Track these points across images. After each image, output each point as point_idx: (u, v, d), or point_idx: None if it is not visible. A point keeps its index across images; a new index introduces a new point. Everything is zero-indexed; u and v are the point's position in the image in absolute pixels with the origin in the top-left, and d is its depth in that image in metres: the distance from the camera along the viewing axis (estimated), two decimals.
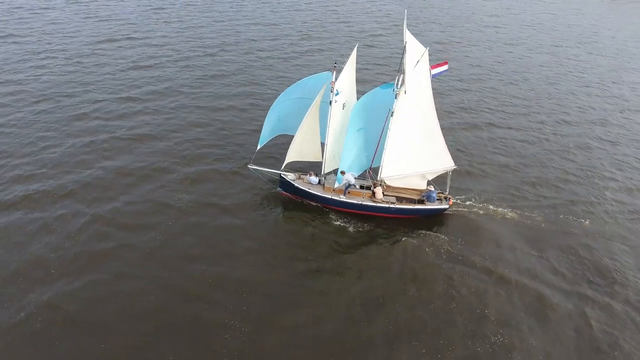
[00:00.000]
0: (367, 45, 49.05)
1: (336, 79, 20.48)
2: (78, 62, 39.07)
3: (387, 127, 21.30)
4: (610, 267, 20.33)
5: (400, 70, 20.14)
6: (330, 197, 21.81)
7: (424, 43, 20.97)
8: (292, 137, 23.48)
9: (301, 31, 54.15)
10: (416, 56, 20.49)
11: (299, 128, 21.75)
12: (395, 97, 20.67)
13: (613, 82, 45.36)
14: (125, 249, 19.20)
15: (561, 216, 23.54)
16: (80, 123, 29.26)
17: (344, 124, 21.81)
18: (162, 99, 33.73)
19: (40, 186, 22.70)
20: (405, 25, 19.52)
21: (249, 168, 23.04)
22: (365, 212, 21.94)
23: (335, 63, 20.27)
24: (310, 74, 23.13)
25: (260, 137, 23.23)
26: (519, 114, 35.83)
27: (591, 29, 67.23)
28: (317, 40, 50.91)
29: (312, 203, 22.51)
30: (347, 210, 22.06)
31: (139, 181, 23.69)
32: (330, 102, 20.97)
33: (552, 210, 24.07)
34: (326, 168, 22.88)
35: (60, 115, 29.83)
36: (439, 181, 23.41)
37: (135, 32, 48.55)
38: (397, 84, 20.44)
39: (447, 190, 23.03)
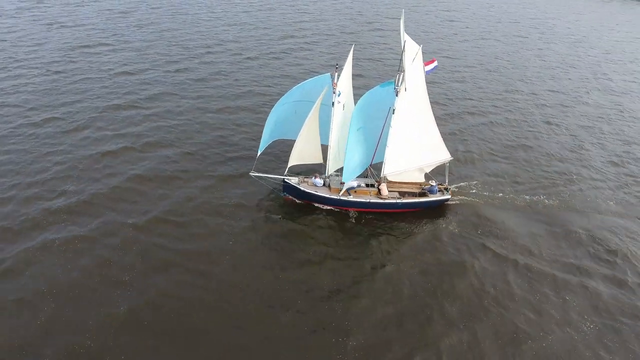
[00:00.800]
0: (347, 43, 49.57)
1: (338, 80, 20.60)
2: (58, 71, 37.26)
3: (389, 125, 21.71)
4: (610, 240, 21.90)
5: (400, 68, 20.52)
6: (337, 197, 21.97)
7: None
8: (290, 140, 23.45)
9: (283, 31, 54.06)
10: (411, 54, 20.94)
11: (301, 131, 21.70)
12: (397, 95, 21.08)
13: (572, 67, 48.23)
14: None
15: (552, 195, 25.01)
16: (80, 134, 28.15)
17: (345, 124, 21.98)
18: (157, 104, 32.95)
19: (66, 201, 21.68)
20: (402, 25, 19.86)
21: (250, 176, 22.81)
22: (373, 210, 22.28)
23: (337, 65, 20.35)
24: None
25: (260, 142, 23.00)
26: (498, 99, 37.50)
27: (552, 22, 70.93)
28: (301, 39, 51.14)
29: (318, 205, 22.58)
30: (356, 209, 22.32)
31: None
32: (333, 103, 21.09)
33: (543, 190, 25.47)
34: (330, 169, 23.01)
35: (57, 130, 28.39)
36: (435, 172, 24.16)
37: (108, 37, 46.93)
38: (398, 82, 20.84)
39: (447, 181, 23.80)
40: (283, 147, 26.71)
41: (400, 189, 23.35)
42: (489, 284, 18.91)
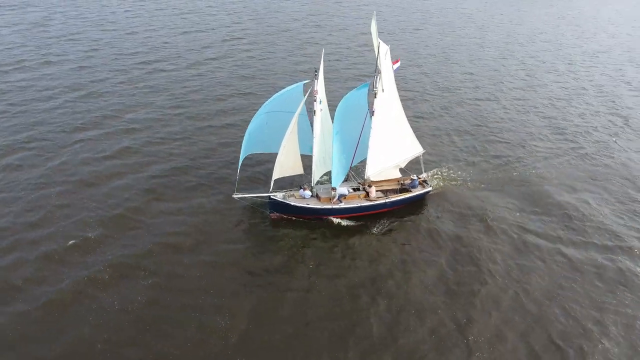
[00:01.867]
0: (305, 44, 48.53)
1: (317, 87, 19.93)
2: None
3: (369, 127, 21.77)
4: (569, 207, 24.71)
5: (377, 70, 20.65)
6: (329, 207, 21.38)
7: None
8: (262, 155, 22.16)
9: (232, 34, 51.51)
10: (382, 54, 21.24)
11: (283, 143, 20.59)
12: (375, 97, 21.20)
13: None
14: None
15: (515, 172, 27.61)
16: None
17: (325, 130, 21.46)
18: (110, 125, 29.44)
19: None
20: (375, 27, 19.97)
21: (234, 198, 21.00)
22: (364, 213, 22.19)
23: (316, 71, 19.62)
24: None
25: (240, 159, 21.30)
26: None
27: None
28: (259, 44, 49.19)
29: (305, 218, 21.73)
30: (347, 215, 21.99)
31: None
32: (315, 111, 20.37)
33: (505, 167, 28.05)
34: (315, 178, 22.28)
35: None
36: (408, 166, 25.02)
37: (36, 54, 41.09)
38: (375, 84, 20.95)
39: (424, 173, 24.82)
40: (258, 162, 25.37)
41: (381, 188, 23.68)
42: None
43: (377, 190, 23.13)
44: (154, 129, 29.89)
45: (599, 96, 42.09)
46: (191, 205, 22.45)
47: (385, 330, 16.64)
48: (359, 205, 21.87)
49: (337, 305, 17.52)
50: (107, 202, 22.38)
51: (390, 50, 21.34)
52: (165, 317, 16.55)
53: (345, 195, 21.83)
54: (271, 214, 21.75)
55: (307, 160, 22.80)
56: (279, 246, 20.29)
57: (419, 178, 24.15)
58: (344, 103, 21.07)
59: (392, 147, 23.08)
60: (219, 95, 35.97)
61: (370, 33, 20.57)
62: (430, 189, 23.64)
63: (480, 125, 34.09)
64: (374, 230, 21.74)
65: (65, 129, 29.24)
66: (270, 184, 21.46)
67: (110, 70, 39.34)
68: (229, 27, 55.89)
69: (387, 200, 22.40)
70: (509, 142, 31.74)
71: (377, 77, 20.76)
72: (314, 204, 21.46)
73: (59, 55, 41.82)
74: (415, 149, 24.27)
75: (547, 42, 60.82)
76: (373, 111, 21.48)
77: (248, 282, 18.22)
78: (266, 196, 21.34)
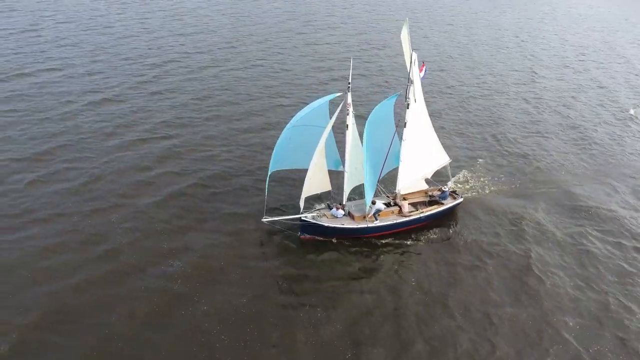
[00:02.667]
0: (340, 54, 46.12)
1: (350, 100, 18.65)
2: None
3: (402, 139, 20.70)
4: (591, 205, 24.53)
5: (409, 80, 19.58)
6: (365, 226, 20.13)
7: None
8: (288, 171, 20.72)
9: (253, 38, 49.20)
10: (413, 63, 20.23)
11: (313, 159, 19.19)
12: (407, 107, 20.13)
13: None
14: None
15: (538, 173, 27.21)
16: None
17: (357, 144, 20.18)
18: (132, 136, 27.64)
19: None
20: (407, 35, 18.87)
21: (263, 222, 19.40)
22: (399, 230, 21.08)
23: (349, 83, 18.32)
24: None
25: (267, 179, 19.69)
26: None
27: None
28: (275, 49, 46.97)
29: (338, 239, 20.37)
30: (382, 233, 20.80)
31: None
32: (347, 125, 19.08)
33: (528, 168, 27.63)
34: (346, 194, 20.93)
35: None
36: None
37: (36, 61, 38.56)
38: (407, 95, 19.88)
39: (452, 183, 24.00)
40: (280, 179, 23.73)
41: (411, 201, 22.63)
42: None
43: (408, 204, 22.11)
44: (178, 138, 28.31)
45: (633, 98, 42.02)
46: (215, 227, 20.75)
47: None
48: (395, 222, 20.74)
49: (399, 330, 16.41)
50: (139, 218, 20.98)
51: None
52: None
53: (381, 211, 20.67)
54: (302, 236, 20.31)
55: (331, 176, 21.54)
56: (317, 270, 18.87)
57: (449, 189, 23.31)
58: (374, 115, 19.89)
59: (422, 158, 22.07)
60: (242, 104, 34.33)
61: (401, 41, 19.53)
62: (461, 200, 22.77)
63: (494, 124, 33.74)
64: (410, 246, 20.67)
65: (96, 137, 27.83)
66: (298, 204, 20.05)
67: (123, 74, 37.51)
68: (246, 30, 53.73)
69: (422, 215, 21.37)
70: (527, 144, 31.28)
71: (409, 87, 19.73)
72: (349, 224, 20.16)
73: (62, 60, 39.46)
74: (442, 158, 23.39)
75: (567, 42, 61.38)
76: (405, 122, 20.45)
77: (287, 314, 16.82)
78: (297, 218, 19.90)
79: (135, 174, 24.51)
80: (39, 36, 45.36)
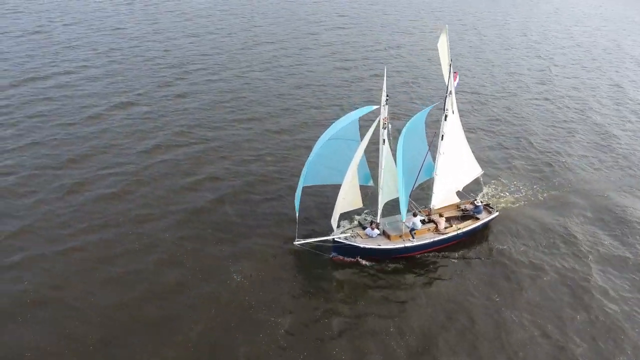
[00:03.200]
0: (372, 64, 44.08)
1: (387, 114, 17.47)
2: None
3: (438, 152, 19.59)
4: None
5: (448, 90, 18.46)
6: (402, 246, 18.98)
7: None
8: (313, 187, 19.56)
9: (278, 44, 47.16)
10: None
11: (347, 175, 18.01)
12: (445, 119, 19.00)
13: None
14: None
15: (570, 181, 26.17)
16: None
17: (390, 159, 19.02)
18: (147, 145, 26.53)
19: None
20: (446, 42, 17.73)
21: (295, 245, 18.20)
22: (435, 248, 19.97)
23: (388, 96, 17.13)
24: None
25: (296, 200, 18.46)
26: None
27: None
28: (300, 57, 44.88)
29: (374, 260, 19.21)
30: (419, 252, 19.67)
31: None
32: (384, 140, 17.92)
33: (554, 179, 26.45)
34: (379, 211, 19.75)
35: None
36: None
37: (55, 65, 37.33)
38: (445, 105, 18.74)
39: (484, 196, 22.93)
40: (308, 194, 21.97)
41: (445, 216, 21.52)
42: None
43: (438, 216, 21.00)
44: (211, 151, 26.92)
45: None
46: (241, 248, 19.50)
47: None
48: (432, 240, 19.58)
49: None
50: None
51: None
52: None
53: (418, 229, 19.54)
54: (333, 257, 19.12)
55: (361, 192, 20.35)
56: (349, 293, 17.70)
57: (482, 202, 22.20)
58: (409, 127, 18.73)
59: (456, 171, 20.99)
60: (272, 105, 33.47)
61: (437, 49, 18.40)
62: (497, 214, 21.66)
63: (515, 128, 32.58)
64: (445, 264, 19.53)
65: (130, 141, 26.98)
66: (328, 222, 18.89)
67: (145, 77, 36.70)
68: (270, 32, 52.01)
69: (459, 232, 20.27)
70: (552, 149, 30.16)
71: (448, 98, 18.60)
72: (385, 244, 18.98)
73: (78, 63, 38.50)
74: (475, 170, 22.30)
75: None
76: (442, 135, 19.33)
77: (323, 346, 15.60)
78: (329, 239, 18.70)
79: (178, 180, 23.86)
80: (50, 38, 44.27)
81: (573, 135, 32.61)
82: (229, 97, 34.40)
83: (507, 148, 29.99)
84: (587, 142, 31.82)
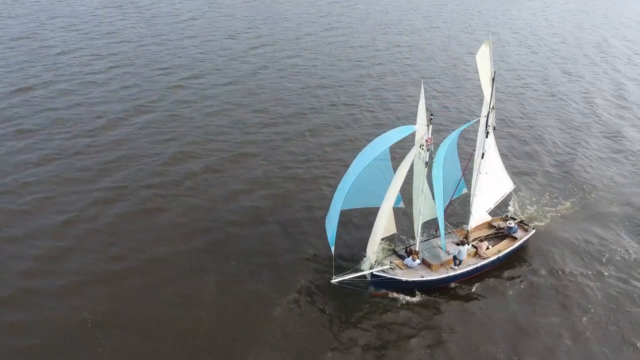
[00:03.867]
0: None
1: (430, 134, 15.79)
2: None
3: (478, 171, 18.13)
4: None
5: (491, 105, 16.96)
6: (446, 275, 17.40)
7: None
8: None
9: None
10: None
11: (385, 205, 16.26)
12: (487, 136, 17.52)
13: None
14: None
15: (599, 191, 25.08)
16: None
17: (429, 182, 17.39)
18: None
19: None
20: (488, 53, 16.21)
21: (332, 283, 16.26)
22: (476, 274, 18.54)
23: (432, 115, 15.43)
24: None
25: (330, 230, 16.50)
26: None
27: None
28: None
29: (403, 295, 17.53)
30: (461, 280, 18.17)
31: None
32: (426, 162, 16.24)
33: (584, 187, 25.43)
34: (417, 238, 18.07)
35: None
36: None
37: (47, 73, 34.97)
38: (487, 122, 17.26)
39: (515, 213, 21.75)
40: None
41: (479, 236, 20.15)
42: None
43: (478, 241, 19.59)
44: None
45: None
46: (277, 278, 17.73)
47: None
48: (475, 266, 18.09)
49: None
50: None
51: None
52: None
53: (463, 259, 18.02)
54: (372, 292, 17.32)
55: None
56: (396, 329, 16.02)
57: (516, 219, 20.95)
58: (447, 147, 17.15)
59: (492, 188, 19.68)
60: (305, 113, 32.00)
61: (476, 62, 16.86)
62: (533, 231, 20.49)
63: (536, 135, 31.22)
64: (485, 290, 18.16)
65: (171, 159, 25.44)
66: (358, 251, 17.27)
67: (158, 84, 34.94)
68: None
69: (500, 255, 18.91)
70: (575, 152, 29.09)
71: (491, 114, 17.14)
72: (428, 275, 17.34)
73: (85, 73, 35.93)
74: (507, 185, 21.07)
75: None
76: (483, 153, 17.88)
77: None
78: (368, 273, 16.89)
79: (232, 200, 22.42)
80: (47, 45, 41.34)
81: (587, 141, 31.33)
82: (260, 107, 32.73)
83: (521, 156, 28.77)
84: (613, 146, 30.71)
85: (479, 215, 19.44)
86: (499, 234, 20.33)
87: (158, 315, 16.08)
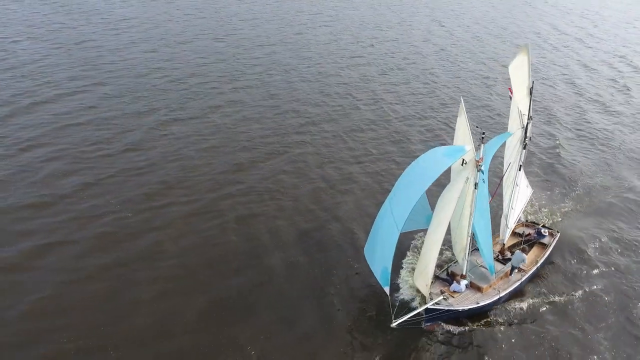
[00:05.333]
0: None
1: (483, 154, 14.70)
2: None
3: (514, 183, 17.46)
4: None
5: (529, 116, 16.27)
6: (498, 297, 16.54)
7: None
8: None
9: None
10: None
11: (437, 230, 15.02)
12: (525, 148, 16.85)
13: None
14: None
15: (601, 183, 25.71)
16: None
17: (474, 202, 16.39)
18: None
19: None
20: (526, 61, 15.42)
21: (393, 327, 14.69)
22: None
23: (484, 134, 14.30)
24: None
25: (380, 270, 14.89)
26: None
27: None
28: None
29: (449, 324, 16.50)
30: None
31: None
32: (476, 184, 15.15)
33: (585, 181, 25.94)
34: (463, 262, 17.04)
35: None
36: None
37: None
38: (526, 133, 16.57)
39: (523, 215, 21.52)
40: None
41: (511, 246, 19.68)
42: None
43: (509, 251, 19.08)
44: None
45: None
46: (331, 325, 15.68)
47: None
48: (520, 282, 17.47)
49: None
50: None
51: None
52: None
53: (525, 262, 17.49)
54: (426, 326, 16.08)
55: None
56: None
57: (542, 224, 20.72)
58: (489, 159, 16.31)
59: (522, 197, 19.26)
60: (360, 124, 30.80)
61: (509, 70, 16.09)
62: (559, 234, 20.44)
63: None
64: (527, 307, 17.58)
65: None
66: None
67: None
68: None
69: (538, 265, 18.54)
70: (556, 149, 29.82)
71: (529, 125, 16.49)
72: (481, 299, 16.39)
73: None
74: (528, 191, 20.83)
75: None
76: (520, 165, 17.25)
77: None
78: (424, 309, 15.57)
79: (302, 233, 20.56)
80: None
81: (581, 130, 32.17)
82: (304, 120, 31.25)
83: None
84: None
85: (511, 226, 18.97)
86: (527, 240, 20.08)
87: None
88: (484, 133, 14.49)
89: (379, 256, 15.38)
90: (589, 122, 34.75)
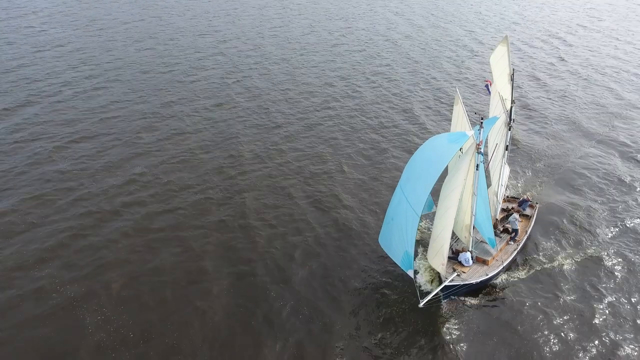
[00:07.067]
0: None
1: (483, 137, 16.00)
2: None
3: (503, 163, 19.11)
4: None
5: (511, 100, 17.91)
6: (502, 266, 18.07)
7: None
8: None
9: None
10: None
11: (448, 212, 16.18)
12: (510, 130, 18.51)
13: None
14: None
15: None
16: None
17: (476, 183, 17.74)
18: None
19: None
20: (506, 52, 17.00)
21: (421, 307, 15.59)
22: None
23: (482, 118, 15.52)
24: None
25: (401, 255, 15.71)
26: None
27: None
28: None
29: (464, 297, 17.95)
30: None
31: None
32: (478, 166, 16.44)
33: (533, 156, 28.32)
34: (468, 239, 18.42)
35: None
36: None
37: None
38: (511, 116, 18.21)
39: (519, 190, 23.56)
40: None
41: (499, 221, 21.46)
42: None
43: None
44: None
45: None
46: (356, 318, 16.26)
47: None
48: (516, 251, 19.27)
49: None
50: None
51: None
52: None
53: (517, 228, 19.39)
54: (447, 302, 17.19)
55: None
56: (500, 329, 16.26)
57: (520, 197, 22.76)
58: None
59: (505, 175, 21.07)
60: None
61: (490, 61, 17.67)
62: (538, 205, 22.49)
63: None
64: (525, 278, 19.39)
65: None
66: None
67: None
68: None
69: (527, 234, 20.42)
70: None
71: (512, 108, 18.16)
72: (489, 270, 17.87)
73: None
74: (507, 168, 22.75)
75: None
76: (507, 145, 18.93)
77: None
78: (444, 286, 16.65)
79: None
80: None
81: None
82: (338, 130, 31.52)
83: None
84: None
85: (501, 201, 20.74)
86: (511, 214, 21.99)
87: None
88: (482, 118, 15.88)
89: (398, 242, 16.25)
90: (527, 97, 38.55)
